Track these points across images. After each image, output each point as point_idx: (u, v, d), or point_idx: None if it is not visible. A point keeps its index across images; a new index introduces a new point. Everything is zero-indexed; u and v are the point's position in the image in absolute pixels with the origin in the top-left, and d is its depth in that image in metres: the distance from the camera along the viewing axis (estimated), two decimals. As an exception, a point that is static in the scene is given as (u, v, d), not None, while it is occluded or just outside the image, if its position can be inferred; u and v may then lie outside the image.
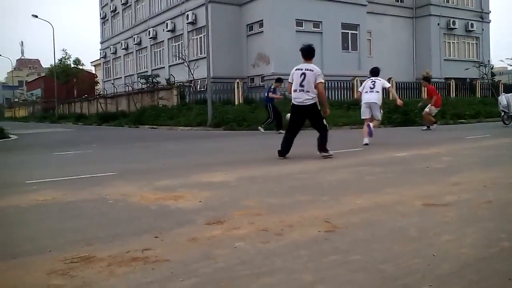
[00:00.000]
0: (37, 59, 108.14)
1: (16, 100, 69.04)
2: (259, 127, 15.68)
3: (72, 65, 49.26)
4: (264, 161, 7.41)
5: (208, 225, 3.39)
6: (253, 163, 7.20)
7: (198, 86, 25.98)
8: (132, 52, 38.84)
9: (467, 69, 27.97)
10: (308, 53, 7.40)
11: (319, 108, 7.41)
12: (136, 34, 37.09)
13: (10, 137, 16.59)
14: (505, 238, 2.92)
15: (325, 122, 7.48)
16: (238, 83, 23.22)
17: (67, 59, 49.25)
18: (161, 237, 3.08)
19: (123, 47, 39.93)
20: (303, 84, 7.20)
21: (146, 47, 35.80)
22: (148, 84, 29.00)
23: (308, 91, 7.22)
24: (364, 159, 7.31)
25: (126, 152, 10.31)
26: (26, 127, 27.85)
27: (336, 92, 24.33)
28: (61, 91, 45.51)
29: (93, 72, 57.70)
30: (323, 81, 7.29)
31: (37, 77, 76.26)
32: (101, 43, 46.86)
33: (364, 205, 3.94)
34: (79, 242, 3.01)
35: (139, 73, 34.94)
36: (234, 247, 2.85)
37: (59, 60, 48.64)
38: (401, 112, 16.99)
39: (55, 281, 2.33)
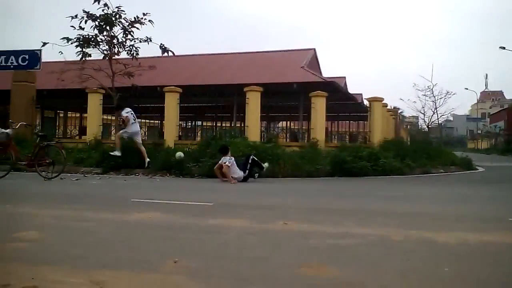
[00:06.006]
0: (501, 91, 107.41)
1: (479, 132, 71.54)
2: None
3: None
4: None
5: None
6: None
7: None
8: None
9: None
10: None
11: None
12: None
13: (477, 169, 17.81)
14: None
15: None
16: None
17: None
18: None
19: None
20: None
21: None
22: None
23: None
24: None
25: None
26: (490, 160, 28.60)
27: None
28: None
29: None
30: None
31: (500, 109, 76.23)
32: None
33: None
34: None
35: None
36: None
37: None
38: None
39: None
